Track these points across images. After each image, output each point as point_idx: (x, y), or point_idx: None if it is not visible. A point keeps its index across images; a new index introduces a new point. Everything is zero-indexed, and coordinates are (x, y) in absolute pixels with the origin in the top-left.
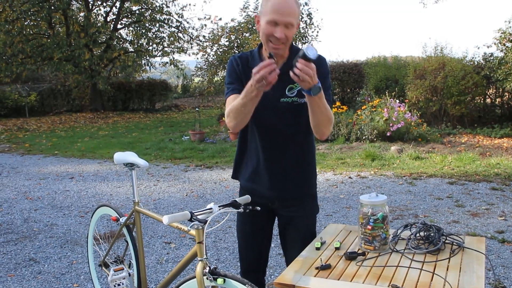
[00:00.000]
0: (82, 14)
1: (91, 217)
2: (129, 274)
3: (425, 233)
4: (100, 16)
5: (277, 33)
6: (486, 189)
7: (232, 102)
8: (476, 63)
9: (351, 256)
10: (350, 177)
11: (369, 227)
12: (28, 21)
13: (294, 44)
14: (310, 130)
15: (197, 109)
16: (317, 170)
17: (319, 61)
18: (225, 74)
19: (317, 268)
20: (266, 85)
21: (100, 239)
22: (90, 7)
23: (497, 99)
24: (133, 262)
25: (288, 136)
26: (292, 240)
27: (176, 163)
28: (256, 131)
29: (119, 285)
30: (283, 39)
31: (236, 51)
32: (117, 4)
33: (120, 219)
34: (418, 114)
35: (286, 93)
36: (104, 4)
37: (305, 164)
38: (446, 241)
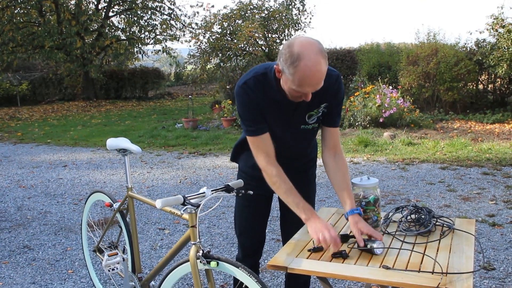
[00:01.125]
0: (73, 1)
1: (85, 203)
2: (123, 259)
3: (416, 215)
4: (91, 4)
5: (306, 98)
6: (478, 174)
7: (262, 143)
8: (468, 49)
9: (343, 239)
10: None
11: (361, 209)
12: (18, 9)
13: (286, 31)
14: (314, 146)
15: (190, 96)
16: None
17: (337, 77)
18: (217, 63)
19: (309, 250)
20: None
21: (94, 226)
22: None
23: (489, 85)
24: (127, 247)
25: (301, 152)
26: (294, 223)
27: (169, 150)
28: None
29: (113, 269)
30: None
31: (229, 38)
32: None
33: (114, 205)
34: (411, 100)
35: (306, 120)
36: None
37: (310, 160)
38: (437, 223)
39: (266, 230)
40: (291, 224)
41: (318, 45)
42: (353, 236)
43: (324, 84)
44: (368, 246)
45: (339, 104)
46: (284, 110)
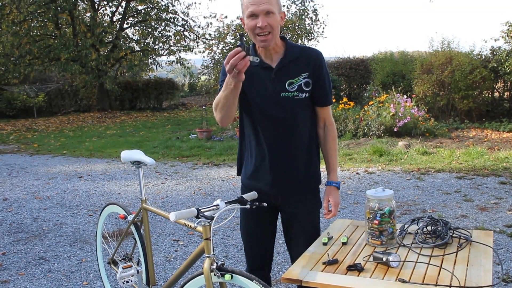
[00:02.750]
0: (88, 14)
1: (100, 215)
2: (138, 271)
3: (432, 227)
4: (106, 16)
5: (259, 23)
6: (495, 184)
7: None
8: (483, 57)
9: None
10: (357, 173)
11: (376, 221)
12: (35, 22)
13: (299, 41)
14: (314, 126)
15: (204, 107)
16: (323, 166)
17: (316, 55)
18: None
19: (324, 263)
20: (239, 74)
21: (108, 237)
22: (96, 7)
23: (505, 93)
24: (141, 259)
25: (290, 131)
26: (296, 236)
27: (183, 161)
28: (258, 127)
29: (127, 282)
30: (267, 27)
31: None
32: (123, 3)
33: (128, 217)
34: (426, 109)
35: (287, 87)
36: (110, 4)
37: (308, 160)
38: (454, 235)
39: (280, 241)
40: (291, 241)
41: None
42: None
43: (303, 54)
44: (384, 259)
45: (324, 81)
46: (263, 75)
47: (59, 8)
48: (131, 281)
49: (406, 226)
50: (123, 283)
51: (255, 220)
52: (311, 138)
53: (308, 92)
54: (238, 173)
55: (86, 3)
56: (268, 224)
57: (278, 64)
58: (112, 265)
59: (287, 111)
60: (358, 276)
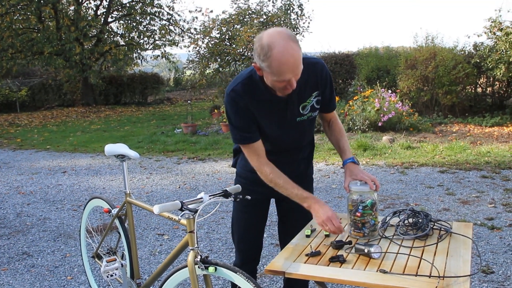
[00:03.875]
0: (72, 7)
1: (84, 209)
2: (122, 265)
3: (414, 219)
4: (90, 10)
5: (290, 86)
6: (477, 177)
7: (255, 150)
8: (467, 53)
9: (338, 246)
10: (342, 167)
11: (358, 214)
12: (18, 15)
13: None
14: (313, 129)
15: (189, 102)
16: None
17: (321, 67)
18: (216, 67)
19: (307, 255)
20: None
21: (93, 232)
22: (80, 0)
23: (488, 88)
24: (126, 253)
25: (298, 143)
26: (293, 227)
27: (168, 155)
28: (268, 141)
29: (111, 275)
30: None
31: (228, 43)
32: None
33: (112, 211)
34: (410, 104)
35: (301, 111)
36: None
37: (308, 160)
38: (434, 227)
39: (265, 235)
40: (289, 229)
41: (286, 31)
42: (349, 243)
43: (310, 73)
44: (366, 251)
45: (330, 89)
46: (276, 108)
47: (42, 1)
48: (115, 274)
49: (388, 218)
50: (107, 277)
51: (249, 212)
52: (312, 140)
53: (319, 108)
54: (233, 165)
55: None
56: (261, 216)
57: (289, 95)
58: (96, 259)
59: (301, 131)
60: (340, 267)
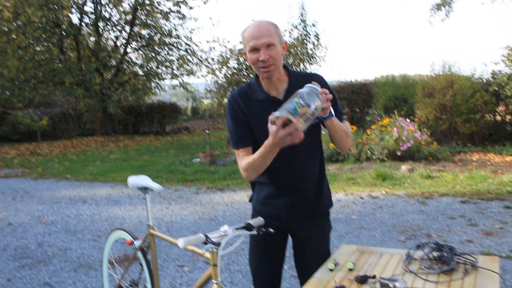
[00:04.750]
0: (92, 39)
1: (106, 241)
2: None
3: (438, 253)
4: (110, 41)
5: (261, 56)
6: (499, 208)
7: (245, 155)
8: (484, 81)
9: (362, 280)
10: (361, 197)
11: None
12: (40, 46)
13: (301, 65)
14: (322, 150)
15: (207, 131)
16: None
17: (319, 79)
18: None
19: None
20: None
21: (114, 263)
22: (100, 32)
23: (507, 116)
24: (148, 285)
25: (301, 158)
26: (309, 261)
27: (187, 185)
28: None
29: None
30: (269, 60)
31: (245, 73)
32: (127, 28)
33: (135, 243)
34: (428, 132)
35: None
36: (114, 28)
37: (318, 183)
38: (459, 261)
39: (286, 267)
40: (304, 264)
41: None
42: (373, 277)
43: (307, 81)
44: (391, 286)
45: (334, 103)
46: (271, 108)
47: (64, 33)
48: None
49: (412, 252)
50: None
51: (265, 245)
52: (321, 162)
53: (317, 118)
54: (250, 200)
55: (91, 28)
56: (278, 249)
57: (285, 96)
58: None
59: (301, 142)
60: None
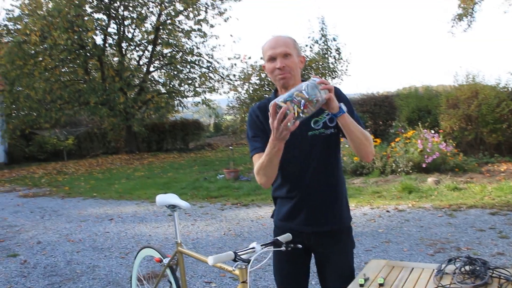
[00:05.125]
0: (116, 59)
1: (135, 259)
2: None
3: (471, 267)
4: (133, 60)
5: (277, 64)
6: None
7: (258, 160)
8: (510, 90)
9: None
10: (387, 211)
11: (285, 103)
12: (66, 68)
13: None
14: (340, 162)
15: (230, 147)
16: (353, 204)
17: (338, 94)
18: None
19: None
20: (286, 134)
21: (143, 280)
22: (124, 52)
23: None
24: None
25: (319, 170)
26: (330, 278)
27: (212, 202)
28: (288, 169)
29: None
30: (285, 68)
31: (267, 89)
32: (149, 48)
33: (164, 260)
34: (454, 144)
35: (312, 126)
36: (137, 48)
37: (338, 197)
38: (493, 275)
39: (313, 282)
40: (329, 277)
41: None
42: None
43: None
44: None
45: (349, 110)
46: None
47: (88, 54)
48: None
49: (443, 266)
50: None
51: (289, 261)
52: (339, 175)
53: (333, 128)
54: (272, 215)
55: (114, 48)
56: (301, 265)
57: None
58: None
59: (315, 150)
60: None
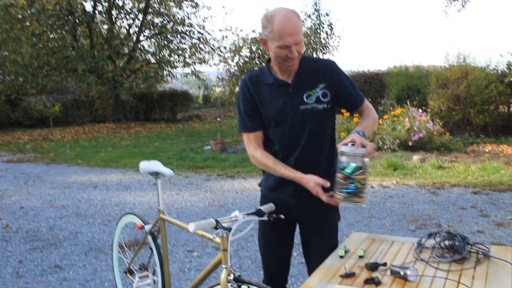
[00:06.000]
0: (105, 26)
1: (117, 225)
2: (154, 281)
3: (450, 242)
4: (123, 29)
5: (291, 53)
6: (511, 199)
7: (254, 141)
8: (500, 72)
9: (372, 267)
10: (372, 187)
11: (340, 175)
12: (54, 34)
13: (314, 54)
14: (334, 137)
15: (218, 119)
16: None
17: (332, 66)
18: None
19: (341, 276)
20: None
21: (124, 247)
22: (114, 20)
23: None
24: (158, 269)
25: (311, 143)
26: (316, 249)
27: (198, 172)
28: (279, 141)
29: None
30: (297, 55)
31: (257, 62)
32: (140, 16)
33: (145, 227)
34: (441, 123)
35: (305, 100)
36: (127, 17)
37: (328, 171)
38: (472, 250)
39: (295, 254)
40: (311, 253)
41: (289, 8)
42: (384, 264)
43: (318, 67)
44: (402, 273)
45: (346, 87)
46: (280, 91)
47: (77, 21)
48: None
49: (423, 240)
50: None
51: (273, 232)
52: (332, 150)
53: (326, 103)
54: (260, 184)
55: (104, 15)
56: (286, 236)
57: (294, 79)
58: (128, 275)
59: (307, 123)
60: None
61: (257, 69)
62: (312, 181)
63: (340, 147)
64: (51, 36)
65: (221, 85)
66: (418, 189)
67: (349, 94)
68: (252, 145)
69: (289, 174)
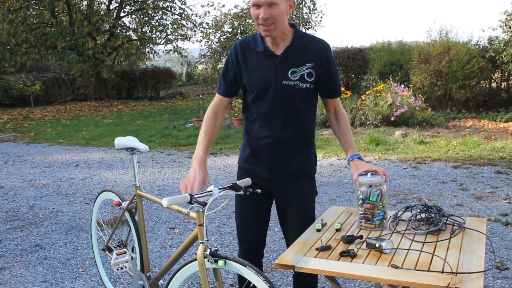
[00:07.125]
0: (84, 2)
1: (94, 202)
2: (132, 258)
3: (426, 214)
4: (103, 4)
5: (261, 14)
6: (491, 173)
7: (216, 100)
8: (481, 47)
9: (348, 240)
10: (348, 163)
11: (368, 206)
12: (31, 10)
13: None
14: (313, 116)
15: (201, 96)
16: (321, 155)
17: (326, 48)
18: None
19: (317, 249)
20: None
21: (103, 225)
22: None
23: (503, 83)
24: (136, 245)
25: (289, 119)
26: (290, 222)
27: (180, 150)
28: (258, 113)
29: (121, 268)
30: (269, 19)
31: (239, 38)
32: None
33: (122, 204)
34: (423, 98)
35: (289, 75)
36: None
37: (305, 147)
38: (447, 222)
39: (276, 229)
40: (287, 225)
41: None
42: (360, 237)
43: (310, 46)
44: (377, 245)
45: (332, 73)
46: (267, 63)
47: None
48: (126, 267)
49: (400, 213)
50: (118, 269)
51: (250, 205)
52: (309, 128)
53: (310, 83)
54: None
55: None
56: (263, 209)
57: (283, 52)
58: (107, 252)
59: (287, 99)
60: (351, 262)
61: (251, 35)
62: (186, 178)
63: (359, 179)
64: (29, 12)
65: (203, 62)
66: (399, 164)
67: (332, 80)
68: (212, 104)
69: (196, 149)
